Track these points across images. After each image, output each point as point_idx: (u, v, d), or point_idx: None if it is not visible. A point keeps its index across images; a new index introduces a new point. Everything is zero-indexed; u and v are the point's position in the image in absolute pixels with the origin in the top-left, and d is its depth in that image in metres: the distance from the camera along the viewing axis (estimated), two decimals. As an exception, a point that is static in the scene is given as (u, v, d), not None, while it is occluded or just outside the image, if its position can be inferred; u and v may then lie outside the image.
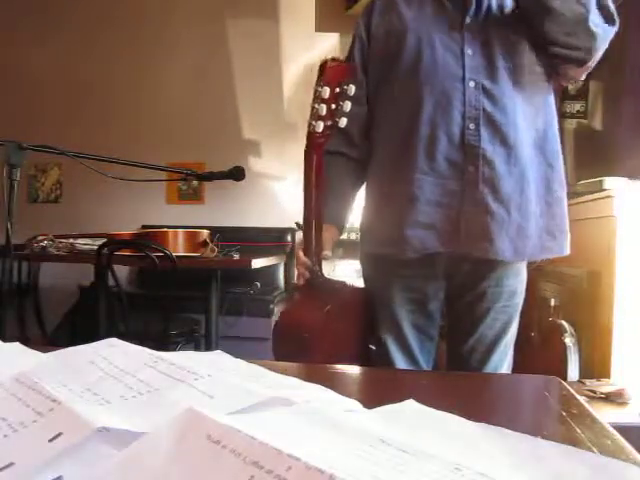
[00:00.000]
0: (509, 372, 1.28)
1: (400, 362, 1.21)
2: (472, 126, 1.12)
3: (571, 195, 2.10)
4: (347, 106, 1.06)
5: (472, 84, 1.13)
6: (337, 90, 1.05)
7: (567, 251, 1.21)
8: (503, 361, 1.24)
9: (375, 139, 1.24)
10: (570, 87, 2.57)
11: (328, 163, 1.20)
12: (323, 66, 1.05)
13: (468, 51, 1.14)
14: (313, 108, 1.06)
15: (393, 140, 1.19)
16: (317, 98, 1.05)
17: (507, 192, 1.13)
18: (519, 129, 1.14)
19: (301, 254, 1.16)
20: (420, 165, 1.13)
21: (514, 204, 1.13)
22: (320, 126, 1.07)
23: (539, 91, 1.19)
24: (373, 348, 1.25)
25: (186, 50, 3.89)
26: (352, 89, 1.06)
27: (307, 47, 3.65)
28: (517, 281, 1.23)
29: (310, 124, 1.07)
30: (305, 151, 1.11)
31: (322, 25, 3.40)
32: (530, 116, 1.16)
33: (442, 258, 1.17)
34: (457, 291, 1.22)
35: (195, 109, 3.89)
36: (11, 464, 0.28)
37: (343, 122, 1.07)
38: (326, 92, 1.04)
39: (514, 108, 1.13)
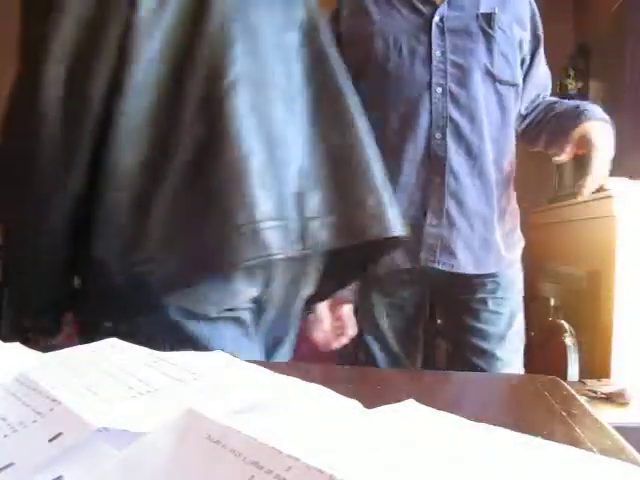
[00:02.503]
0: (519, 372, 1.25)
1: (382, 362, 1.21)
2: (438, 135, 1.08)
3: (571, 195, 2.11)
4: None
5: (439, 90, 1.08)
6: None
7: (517, 260, 1.22)
8: (512, 358, 1.19)
9: None
10: (570, 87, 2.58)
11: None
12: None
13: (436, 52, 1.08)
14: None
15: None
16: None
17: (471, 205, 1.10)
18: (484, 138, 1.10)
19: None
20: (387, 178, 1.11)
21: (478, 217, 1.11)
22: None
23: (509, 100, 1.14)
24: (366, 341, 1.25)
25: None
26: None
27: (307, 47, 3.64)
28: (514, 272, 1.20)
29: None
30: None
31: (322, 25, 3.39)
32: (496, 125, 1.12)
33: (415, 268, 1.14)
34: (444, 291, 1.21)
35: (195, 109, 3.89)
36: (11, 464, 0.28)
37: None
38: None
39: (481, 115, 1.09)
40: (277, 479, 0.22)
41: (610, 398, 1.60)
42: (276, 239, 0.69)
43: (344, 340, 1.05)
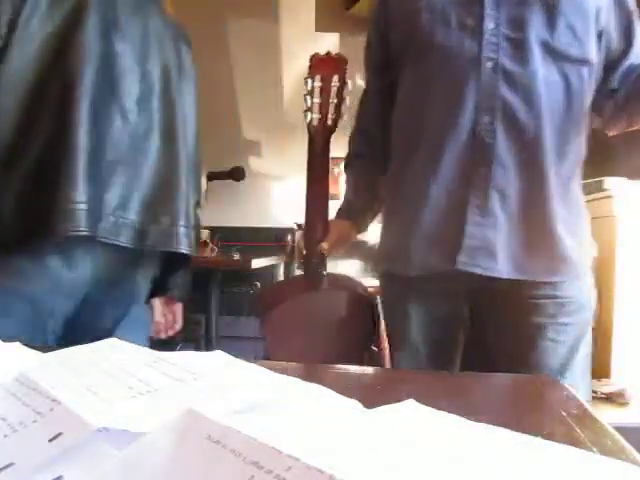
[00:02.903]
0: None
1: None
2: (487, 119, 0.91)
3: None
4: (347, 101, 1.09)
5: (489, 65, 0.91)
6: (335, 85, 1.07)
7: (585, 275, 1.00)
8: (577, 384, 0.95)
9: (392, 139, 1.08)
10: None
11: (350, 165, 1.20)
12: (312, 59, 1.10)
13: (489, 25, 0.92)
14: (305, 99, 1.10)
15: (403, 140, 1.04)
16: (308, 92, 1.09)
17: (519, 201, 0.93)
18: (542, 124, 0.92)
19: (300, 240, 1.15)
20: (425, 168, 0.97)
21: (525, 215, 0.94)
22: (309, 117, 1.10)
23: (578, 80, 0.94)
24: (375, 349, 1.24)
25: (186, 50, 3.89)
26: (349, 84, 1.07)
27: (307, 47, 3.64)
28: (577, 287, 0.98)
29: (305, 115, 1.11)
30: (308, 140, 1.13)
31: (322, 25, 3.40)
32: (558, 109, 0.93)
33: (456, 273, 0.96)
34: (487, 310, 1.01)
35: (195, 109, 3.89)
36: (11, 464, 0.28)
37: (345, 117, 1.10)
38: (317, 85, 1.07)
39: (540, 96, 0.91)
40: (277, 479, 0.22)
41: (610, 398, 1.60)
42: (87, 220, 0.87)
43: (171, 332, 1.22)
